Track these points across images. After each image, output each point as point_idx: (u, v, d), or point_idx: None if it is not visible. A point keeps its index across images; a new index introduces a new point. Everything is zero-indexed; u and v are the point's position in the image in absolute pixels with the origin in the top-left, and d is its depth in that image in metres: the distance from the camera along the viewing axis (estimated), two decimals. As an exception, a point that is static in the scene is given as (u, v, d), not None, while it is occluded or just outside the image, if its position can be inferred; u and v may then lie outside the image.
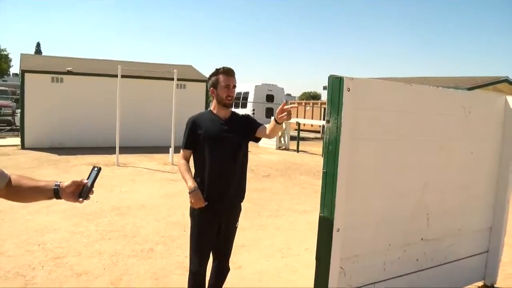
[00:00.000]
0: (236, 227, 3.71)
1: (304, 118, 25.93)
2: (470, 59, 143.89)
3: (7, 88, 29.53)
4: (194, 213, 3.54)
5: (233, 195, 3.60)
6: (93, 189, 2.11)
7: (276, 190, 9.56)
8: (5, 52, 68.84)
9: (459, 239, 4.45)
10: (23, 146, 14.75)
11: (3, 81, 52.96)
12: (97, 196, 7.58)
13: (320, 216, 3.38)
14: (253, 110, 24.33)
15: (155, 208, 7.53)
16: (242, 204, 3.72)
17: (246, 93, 25.45)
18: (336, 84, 3.33)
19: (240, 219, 3.74)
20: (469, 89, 16.46)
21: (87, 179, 2.10)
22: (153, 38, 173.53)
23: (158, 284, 4.53)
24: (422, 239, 4.03)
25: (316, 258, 3.42)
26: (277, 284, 4.68)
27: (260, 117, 23.72)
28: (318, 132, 25.79)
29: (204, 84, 17.63)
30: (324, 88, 19.66)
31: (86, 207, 7.17)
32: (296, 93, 65.95)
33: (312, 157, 15.94)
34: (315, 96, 61.61)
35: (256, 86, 25.26)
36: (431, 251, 4.15)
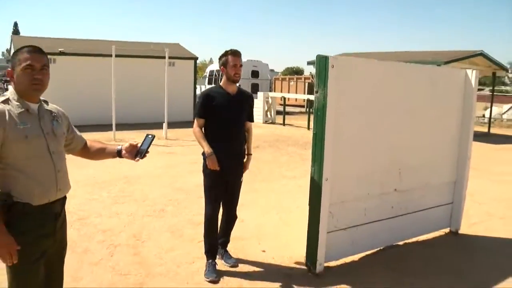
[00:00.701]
0: (241, 181, 4.47)
1: (289, 92, 26.60)
2: (449, 32, 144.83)
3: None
4: (206, 171, 4.27)
5: (238, 155, 4.37)
6: (149, 151, 2.85)
7: (266, 159, 10.32)
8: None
9: (428, 191, 5.27)
10: (18, 125, 15.27)
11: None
12: (106, 168, 8.34)
13: (311, 169, 4.16)
14: (239, 86, 24.93)
15: (158, 177, 8.27)
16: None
17: (232, 70, 25.97)
18: (322, 62, 4.09)
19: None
20: (446, 62, 17.26)
21: (141, 144, 2.84)
22: (135, 15, 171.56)
23: (174, 235, 5.28)
24: (395, 190, 4.84)
25: (309, 204, 4.21)
26: (274, 233, 5.48)
27: (246, 92, 24.37)
28: (302, 106, 26.48)
29: (192, 61, 18.24)
30: (308, 63, 20.35)
31: (96, 177, 7.90)
32: (279, 68, 66.30)
33: (298, 130, 16.73)
34: (298, 71, 62.01)
35: (241, 62, 25.77)
36: (404, 200, 4.97)
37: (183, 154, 10.80)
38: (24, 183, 2.40)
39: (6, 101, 2.41)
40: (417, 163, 5.04)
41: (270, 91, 25.63)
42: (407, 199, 5.01)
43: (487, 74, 23.09)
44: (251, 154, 4.54)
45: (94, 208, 6.26)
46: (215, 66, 29.71)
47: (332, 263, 4.49)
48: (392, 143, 4.74)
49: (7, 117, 2.35)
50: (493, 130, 19.26)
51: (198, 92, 22.45)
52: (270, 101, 19.16)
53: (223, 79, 4.40)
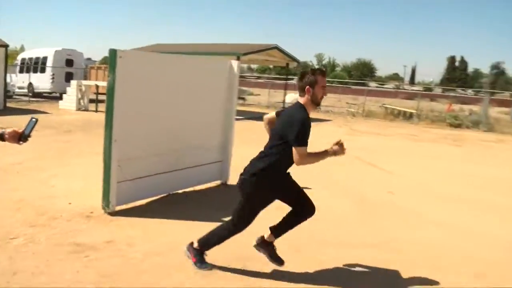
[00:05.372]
0: None
1: (103, 81, 26.96)
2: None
3: None
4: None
5: None
6: (31, 135, 3.02)
7: (77, 140, 11.29)
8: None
9: (201, 151, 6.92)
10: None
11: None
12: None
13: (104, 133, 5.50)
14: (53, 74, 24.77)
15: None
16: None
17: (45, 58, 25.45)
18: (112, 53, 5.44)
19: None
20: (244, 54, 19.71)
21: (25, 128, 3.00)
22: None
23: None
24: (173, 149, 6.38)
25: (103, 159, 5.55)
26: (79, 190, 6.66)
27: (60, 80, 24.45)
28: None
29: (4, 49, 17.90)
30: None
31: None
32: (97, 57, 65.09)
33: (111, 116, 17.61)
34: (116, 60, 61.47)
35: (56, 51, 25.40)
36: (181, 157, 6.53)
37: None
38: None
39: None
40: (191, 129, 6.64)
41: (85, 79, 25.71)
42: (184, 156, 6.56)
43: (282, 65, 26.72)
44: None
45: None
46: (27, 54, 28.67)
47: (124, 206, 5.84)
48: (169, 114, 6.24)
49: None
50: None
51: (8, 80, 21.82)
52: (83, 89, 19.69)
53: (306, 100, 3.88)
